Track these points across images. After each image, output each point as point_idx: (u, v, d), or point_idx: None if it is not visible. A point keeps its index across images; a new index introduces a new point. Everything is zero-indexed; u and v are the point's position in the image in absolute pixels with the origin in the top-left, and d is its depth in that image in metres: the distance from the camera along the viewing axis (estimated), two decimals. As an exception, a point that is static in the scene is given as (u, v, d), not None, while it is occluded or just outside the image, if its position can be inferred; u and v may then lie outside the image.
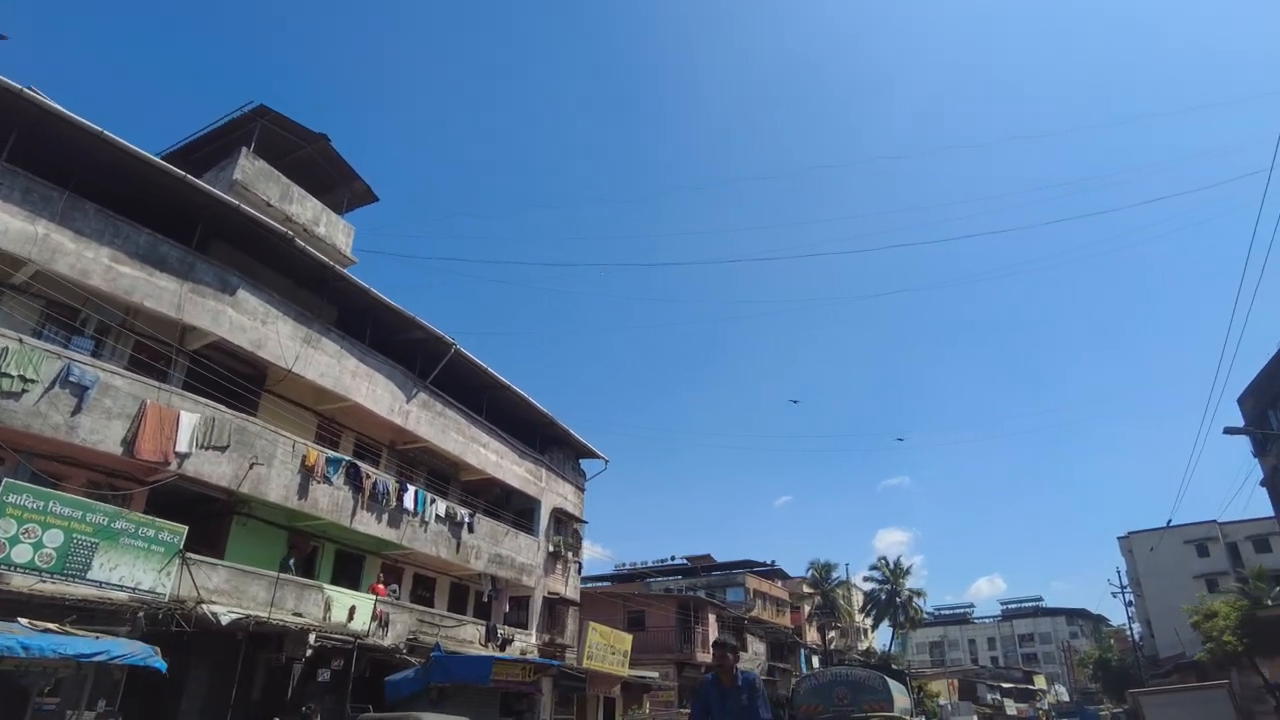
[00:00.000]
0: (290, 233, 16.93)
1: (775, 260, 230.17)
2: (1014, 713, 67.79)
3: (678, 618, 34.54)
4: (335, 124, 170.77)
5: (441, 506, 19.90)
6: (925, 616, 70.32)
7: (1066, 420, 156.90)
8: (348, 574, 18.65)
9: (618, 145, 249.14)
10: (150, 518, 12.49)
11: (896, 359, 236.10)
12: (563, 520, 27.06)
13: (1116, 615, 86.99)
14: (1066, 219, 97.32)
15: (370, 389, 18.45)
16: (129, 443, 12.73)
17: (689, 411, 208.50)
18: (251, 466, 14.86)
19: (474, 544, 21.07)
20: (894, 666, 51.78)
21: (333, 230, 20.82)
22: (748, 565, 53.32)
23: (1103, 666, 58.02)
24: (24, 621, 9.49)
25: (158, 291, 13.90)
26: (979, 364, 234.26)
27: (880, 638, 65.80)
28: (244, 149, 18.35)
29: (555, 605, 25.50)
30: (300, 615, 14.86)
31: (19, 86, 12.07)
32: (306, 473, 16.04)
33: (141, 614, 11.80)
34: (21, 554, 10.40)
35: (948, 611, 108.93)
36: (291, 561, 16.69)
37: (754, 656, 41.33)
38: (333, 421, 19.05)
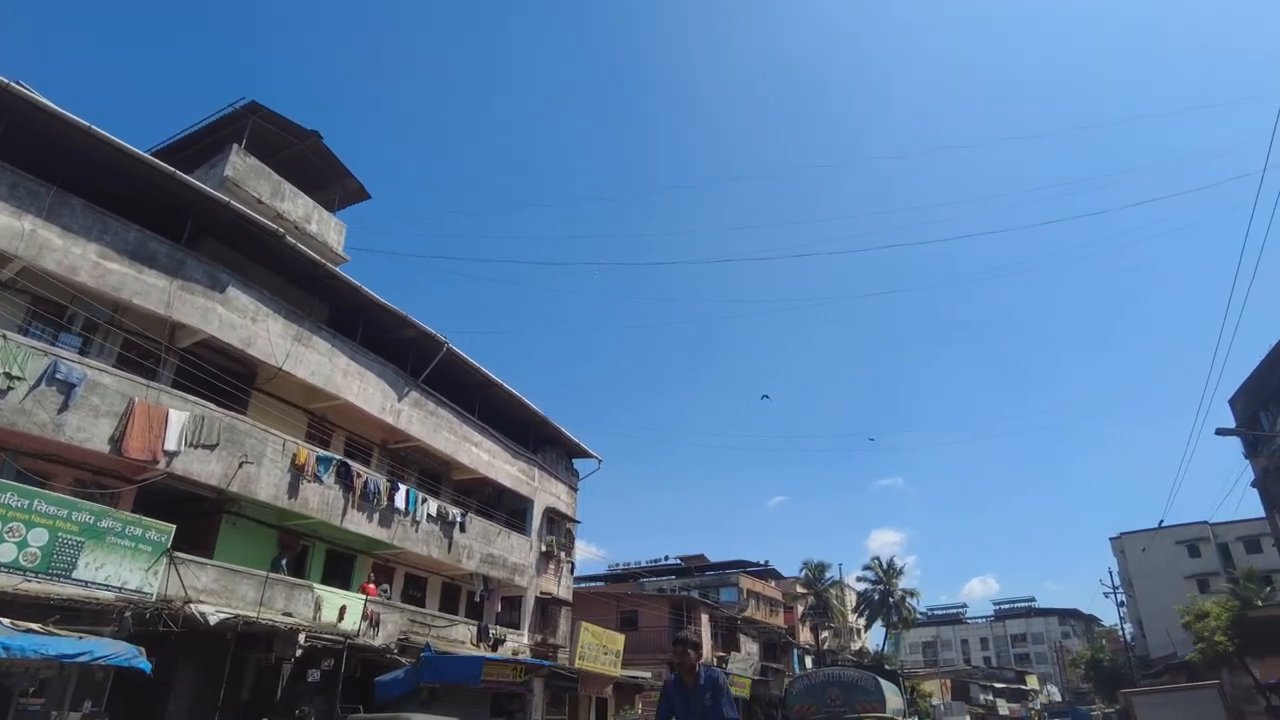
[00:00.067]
0: (281, 230, 16.82)
1: (769, 260, 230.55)
2: (1006, 713, 67.91)
3: (670, 618, 34.49)
4: (329, 122, 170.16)
5: (433, 506, 19.81)
6: (918, 617, 70.45)
7: (1059, 421, 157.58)
8: (338, 574, 18.54)
9: (613, 144, 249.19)
10: (137, 516, 12.37)
11: (890, 359, 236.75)
12: (555, 520, 26.98)
13: (1108, 615, 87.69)
14: (1060, 219, 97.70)
15: (361, 387, 18.34)
16: (117, 441, 12.60)
17: (683, 411, 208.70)
18: (241, 465, 14.74)
19: (466, 544, 20.98)
20: (887, 667, 51.80)
21: (324, 228, 20.71)
22: (741, 565, 53.30)
23: (1095, 667, 58.22)
24: (6, 622, 9.38)
25: (146, 288, 13.78)
26: (972, 364, 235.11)
27: (873, 638, 65.92)
28: (235, 145, 18.24)
29: (548, 605, 25.42)
30: (290, 615, 14.76)
31: (6, 81, 11.94)
32: (297, 472, 15.93)
33: (129, 614, 11.68)
34: (5, 553, 10.28)
35: (941, 612, 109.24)
36: (284, 562, 16.59)
37: (747, 656, 41.31)
38: (323, 420, 18.94)
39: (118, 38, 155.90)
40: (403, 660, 16.67)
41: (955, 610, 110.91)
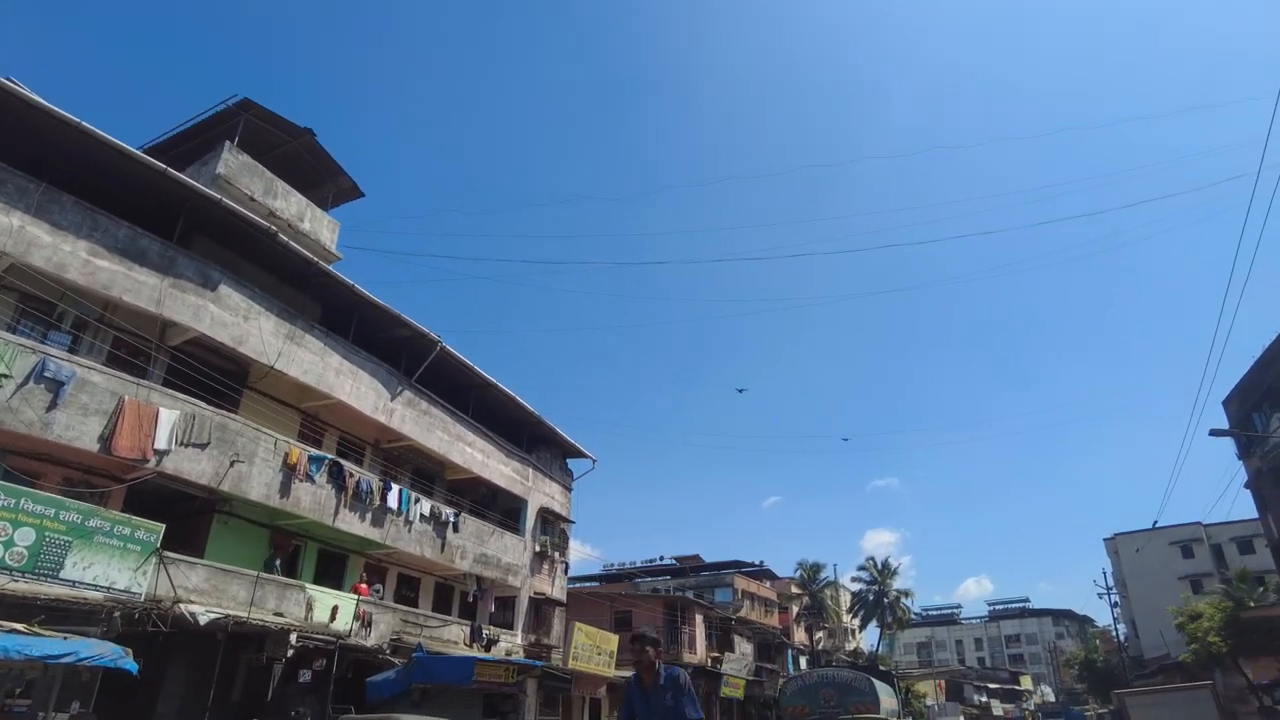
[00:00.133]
0: (273, 228, 16.72)
1: (765, 260, 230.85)
2: (1000, 713, 68.10)
3: (665, 618, 34.43)
4: (324, 120, 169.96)
5: (426, 506, 19.73)
6: (913, 617, 70.55)
7: (1054, 421, 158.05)
8: (330, 573, 18.45)
9: (610, 143, 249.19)
10: (126, 516, 12.27)
11: (886, 360, 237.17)
12: (549, 520, 26.91)
13: (1102, 616, 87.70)
14: (1055, 220, 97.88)
15: (354, 386, 18.26)
16: (106, 439, 12.51)
17: (678, 411, 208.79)
18: (232, 464, 14.66)
19: (459, 544, 20.90)
20: (881, 667, 51.92)
21: (317, 226, 20.61)
22: (736, 565, 53.26)
23: (1088, 667, 58.35)
24: (-9, 622, 9.30)
25: (137, 286, 13.68)
26: (968, 365, 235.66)
27: (868, 638, 65.93)
28: (227, 143, 18.13)
29: (541, 605, 25.35)
30: (281, 615, 14.67)
31: (-6, 76, 11.86)
32: (289, 471, 15.84)
33: (117, 614, 11.58)
34: (-8, 552, 10.19)
35: (935, 612, 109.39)
36: (277, 562, 16.52)
37: (742, 657, 41.29)
38: (316, 419, 18.86)
39: (110, 34, 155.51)
40: (395, 661, 16.60)
41: (950, 611, 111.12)
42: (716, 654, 37.40)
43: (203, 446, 14.13)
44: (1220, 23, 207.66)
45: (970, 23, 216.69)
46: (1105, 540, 56.76)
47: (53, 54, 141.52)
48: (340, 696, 15.29)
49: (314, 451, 16.89)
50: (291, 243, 17.16)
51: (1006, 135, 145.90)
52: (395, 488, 18.68)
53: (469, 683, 15.96)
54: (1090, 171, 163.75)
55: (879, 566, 59.19)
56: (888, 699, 28.92)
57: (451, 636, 20.01)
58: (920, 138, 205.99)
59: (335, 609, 15.82)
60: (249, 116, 18.51)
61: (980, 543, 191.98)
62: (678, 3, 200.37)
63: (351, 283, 18.20)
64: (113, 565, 11.61)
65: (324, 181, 21.73)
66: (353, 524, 17.39)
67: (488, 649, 20.65)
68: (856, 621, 62.32)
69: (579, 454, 29.17)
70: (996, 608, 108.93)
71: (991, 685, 73.75)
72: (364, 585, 18.10)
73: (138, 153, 14.16)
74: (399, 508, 18.60)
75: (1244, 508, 52.70)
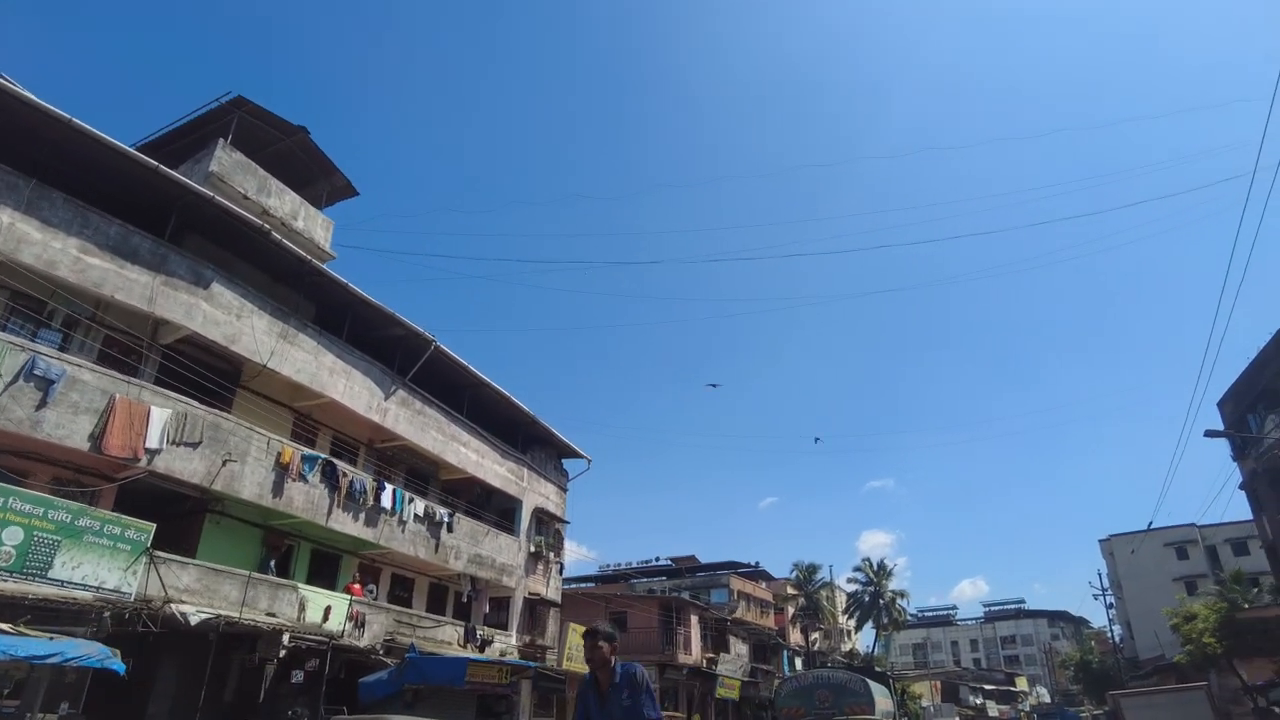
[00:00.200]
0: (266, 226, 16.64)
1: (762, 260, 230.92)
2: (996, 714, 68.08)
3: (660, 619, 34.35)
4: (322, 119, 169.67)
5: (420, 506, 19.64)
6: (908, 618, 70.49)
7: (1050, 423, 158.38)
8: (324, 574, 18.35)
9: (608, 142, 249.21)
10: (116, 515, 12.18)
11: (882, 360, 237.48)
12: (544, 520, 26.83)
13: (1097, 617, 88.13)
14: (1051, 221, 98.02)
15: (348, 386, 18.18)
16: (97, 438, 12.42)
17: (674, 411, 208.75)
18: (225, 463, 14.57)
19: (453, 544, 20.82)
20: (877, 668, 51.89)
21: (311, 224, 20.53)
22: (732, 566, 53.21)
23: (1084, 668, 58.43)
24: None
25: (129, 284, 13.59)
26: (964, 366, 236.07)
27: (864, 639, 65.98)
28: (221, 141, 18.05)
29: (536, 606, 25.28)
30: (274, 615, 14.58)
31: (-16, 71, 11.77)
32: (281, 470, 15.76)
33: (107, 614, 11.49)
34: (-21, 552, 10.10)
35: (931, 613, 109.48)
36: (272, 563, 16.44)
37: (737, 658, 41.23)
38: (309, 419, 18.76)
39: (104, 32, 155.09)
40: (388, 661, 16.51)
41: (945, 612, 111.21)
42: (712, 655, 37.33)
43: (195, 446, 14.05)
44: (1220, 23, 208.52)
45: (970, 23, 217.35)
46: (1100, 542, 56.87)
47: (50, 52, 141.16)
48: (333, 697, 15.19)
49: (307, 451, 16.81)
50: (285, 241, 17.08)
51: (1006, 135, 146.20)
52: (389, 488, 18.60)
53: (461, 684, 15.86)
54: (1087, 173, 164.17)
55: (875, 568, 59.19)
56: (883, 700, 28.92)
57: (445, 637, 19.93)
58: (920, 138, 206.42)
59: (328, 609, 15.74)
60: (243, 114, 18.43)
61: (976, 544, 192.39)
62: (677, 2, 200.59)
63: (345, 281, 18.12)
64: (102, 565, 11.52)
65: (318, 180, 21.65)
66: (346, 524, 17.30)
67: (482, 650, 20.58)
68: (852, 623, 62.31)
69: (574, 454, 29.10)
70: (992, 609, 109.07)
71: (987, 686, 73.79)
72: (357, 585, 18.02)
73: (129, 150, 14.08)
74: (393, 508, 18.51)
75: (1239, 509, 52.81)
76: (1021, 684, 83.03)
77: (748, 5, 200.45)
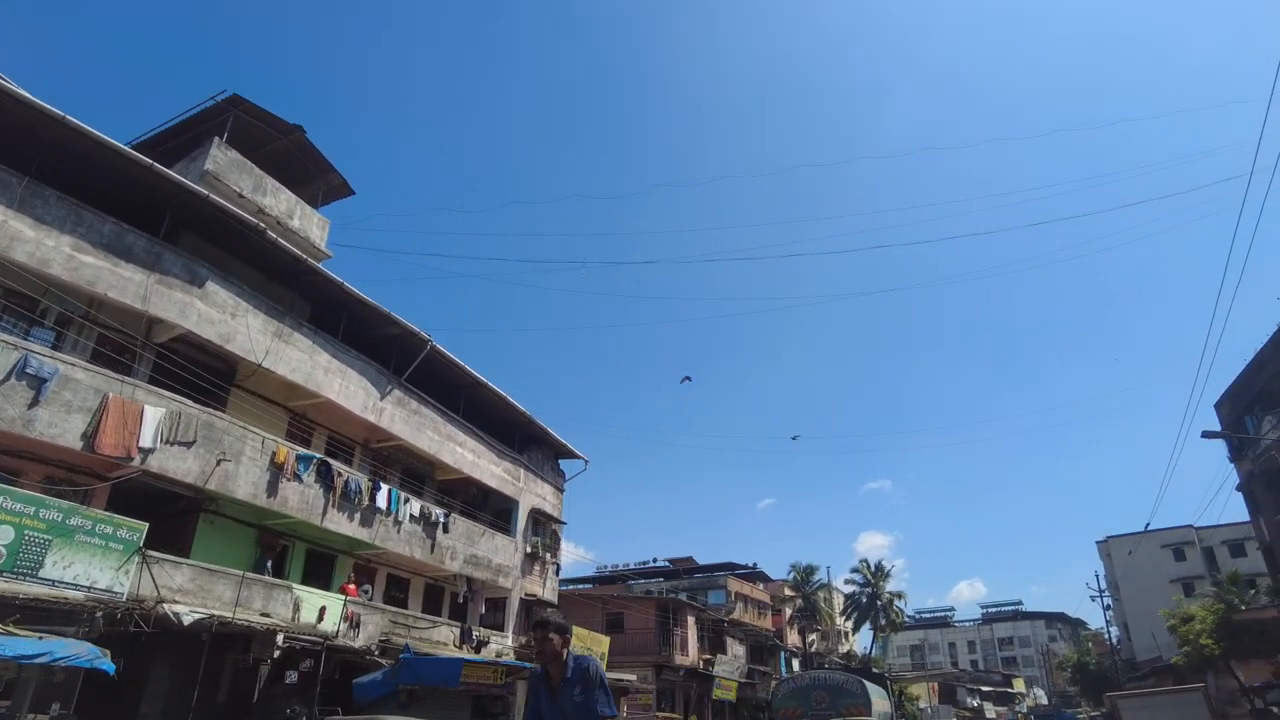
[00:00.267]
0: (262, 225, 16.57)
1: (759, 260, 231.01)
2: (993, 715, 68.05)
3: (657, 620, 34.27)
4: (320, 118, 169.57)
5: (416, 506, 19.57)
6: (906, 620, 70.41)
7: (1049, 423, 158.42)
8: (319, 574, 18.27)
9: (605, 142, 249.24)
10: (108, 514, 12.10)
11: (880, 361, 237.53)
12: (541, 521, 26.76)
13: (1095, 619, 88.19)
14: (1049, 221, 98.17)
15: (343, 385, 18.11)
16: (90, 437, 12.35)
17: (671, 412, 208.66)
18: (219, 463, 14.50)
19: (449, 544, 20.75)
20: (874, 670, 51.95)
21: (307, 223, 20.47)
22: (729, 568, 53.13)
23: (1081, 670, 58.43)
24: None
25: (122, 282, 13.52)
26: (962, 367, 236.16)
27: (861, 641, 65.99)
28: (216, 139, 17.99)
29: (532, 607, 25.20)
30: (268, 615, 14.51)
31: (-23, 69, 11.69)
32: (276, 470, 15.68)
33: (99, 614, 11.42)
34: (-31, 551, 10.03)
35: (928, 615, 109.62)
36: (268, 563, 16.36)
37: (734, 659, 41.17)
38: (304, 418, 18.70)
39: (102, 32, 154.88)
40: (383, 662, 16.44)
41: (943, 613, 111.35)
42: (709, 656, 37.27)
43: (189, 445, 13.98)
44: (1220, 24, 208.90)
45: (969, 23, 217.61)
46: (1098, 543, 56.91)
47: (48, 50, 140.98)
48: (327, 698, 15.12)
49: (302, 450, 16.74)
50: (280, 240, 17.02)
51: (1005, 135, 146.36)
52: (384, 488, 18.53)
53: (456, 684, 15.81)
54: (1085, 173, 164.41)
55: (872, 569, 59.18)
56: (880, 701, 28.90)
57: (441, 638, 19.86)
58: (919, 138, 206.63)
59: (323, 609, 15.66)
60: (238, 113, 18.36)
61: (973, 546, 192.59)
62: (676, 2, 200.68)
63: (341, 280, 18.07)
64: (94, 564, 11.45)
65: (314, 179, 21.58)
66: (341, 524, 17.24)
67: (478, 650, 20.50)
68: (849, 624, 62.30)
69: (571, 455, 29.04)
70: (989, 610, 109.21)
71: (984, 688, 73.80)
72: (352, 586, 17.94)
73: (124, 148, 14.02)
74: (388, 508, 18.45)
75: (1235, 510, 52.83)
76: (1019, 685, 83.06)
77: (747, 5, 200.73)
